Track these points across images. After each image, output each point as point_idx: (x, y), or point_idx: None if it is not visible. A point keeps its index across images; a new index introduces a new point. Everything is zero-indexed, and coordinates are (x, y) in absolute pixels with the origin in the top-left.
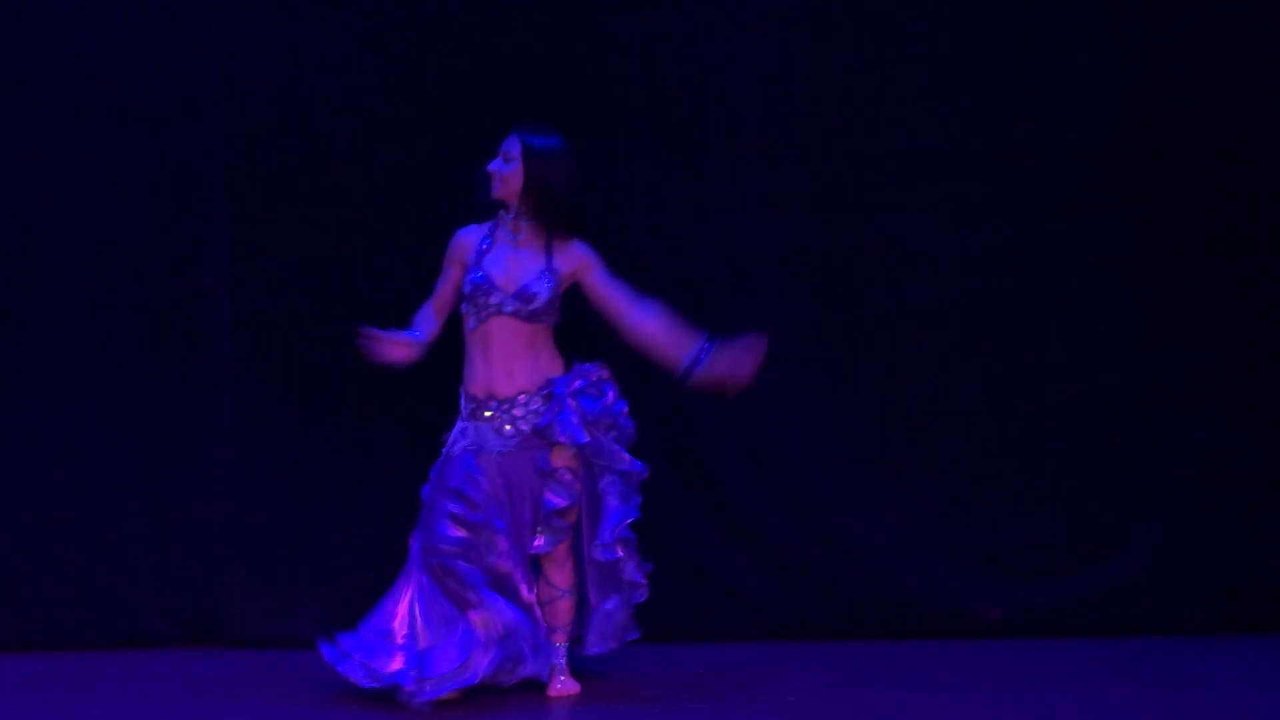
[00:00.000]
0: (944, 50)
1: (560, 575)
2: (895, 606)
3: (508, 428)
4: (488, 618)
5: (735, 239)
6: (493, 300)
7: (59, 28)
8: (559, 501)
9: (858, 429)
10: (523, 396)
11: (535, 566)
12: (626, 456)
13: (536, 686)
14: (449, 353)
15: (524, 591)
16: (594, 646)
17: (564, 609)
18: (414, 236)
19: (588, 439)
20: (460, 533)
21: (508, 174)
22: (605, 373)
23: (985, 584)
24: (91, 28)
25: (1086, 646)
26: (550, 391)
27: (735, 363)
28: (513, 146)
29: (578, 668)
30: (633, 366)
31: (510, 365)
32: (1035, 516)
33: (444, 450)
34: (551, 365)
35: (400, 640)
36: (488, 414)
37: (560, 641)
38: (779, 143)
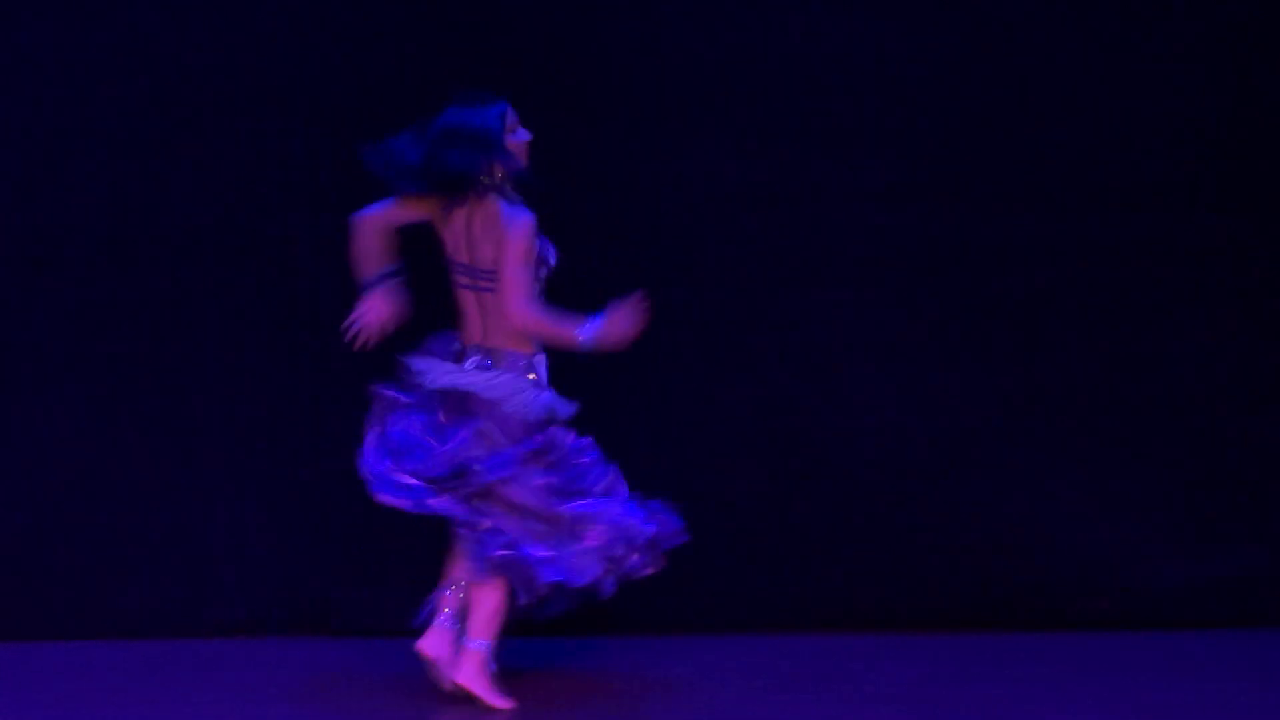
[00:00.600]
0: (1070, 40)
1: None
2: (1015, 597)
3: None
4: None
5: (857, 228)
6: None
7: (160, 25)
8: None
9: (977, 420)
10: None
11: None
12: None
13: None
14: None
15: None
16: None
17: None
18: None
19: None
20: None
21: (522, 144)
22: None
23: (1105, 574)
24: (187, 24)
25: (1208, 638)
26: None
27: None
28: (513, 116)
29: None
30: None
31: None
32: (1160, 507)
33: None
34: None
35: None
36: None
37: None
38: (901, 131)
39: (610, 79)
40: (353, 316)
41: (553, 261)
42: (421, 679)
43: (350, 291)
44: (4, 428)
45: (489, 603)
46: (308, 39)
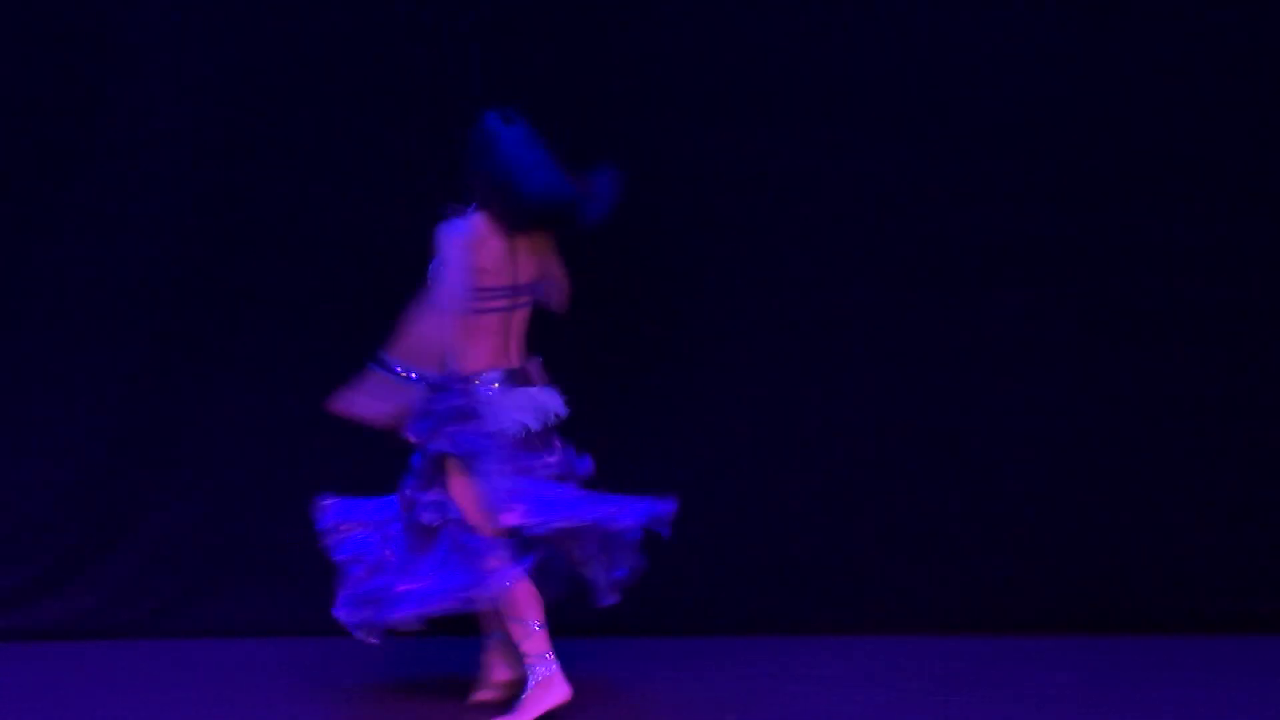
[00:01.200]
0: (1220, 40)
1: None
2: (1159, 599)
3: None
4: None
5: (987, 230)
6: None
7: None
8: None
9: (1131, 421)
10: None
11: None
12: None
13: None
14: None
15: None
16: None
17: None
18: (724, 225)
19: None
20: None
21: None
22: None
23: (1256, 579)
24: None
25: None
26: None
27: None
28: None
29: None
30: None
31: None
32: None
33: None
34: None
35: None
36: None
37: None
38: (1030, 132)
39: (751, 78)
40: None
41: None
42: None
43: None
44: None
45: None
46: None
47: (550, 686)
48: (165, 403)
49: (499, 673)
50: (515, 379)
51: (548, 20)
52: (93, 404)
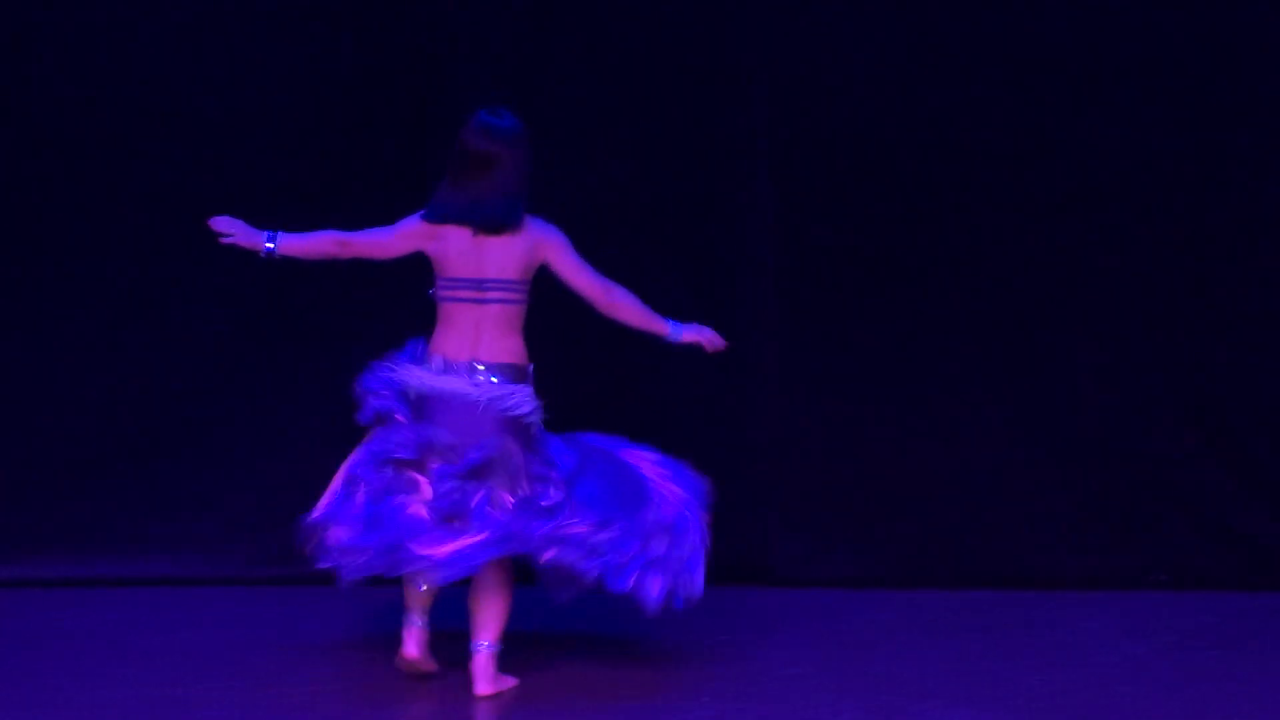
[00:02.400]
0: None
1: None
2: None
3: None
4: None
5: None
6: None
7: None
8: None
9: None
10: None
11: None
12: None
13: None
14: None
15: None
16: None
17: None
18: (956, 197)
19: None
20: None
21: None
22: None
23: None
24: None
25: None
26: None
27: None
28: None
29: None
30: None
31: None
32: None
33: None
34: None
35: None
36: None
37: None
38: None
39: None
40: None
41: None
42: (858, 627)
43: (789, 264)
44: None
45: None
46: (779, 17)
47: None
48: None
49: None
50: (453, 367)
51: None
52: None
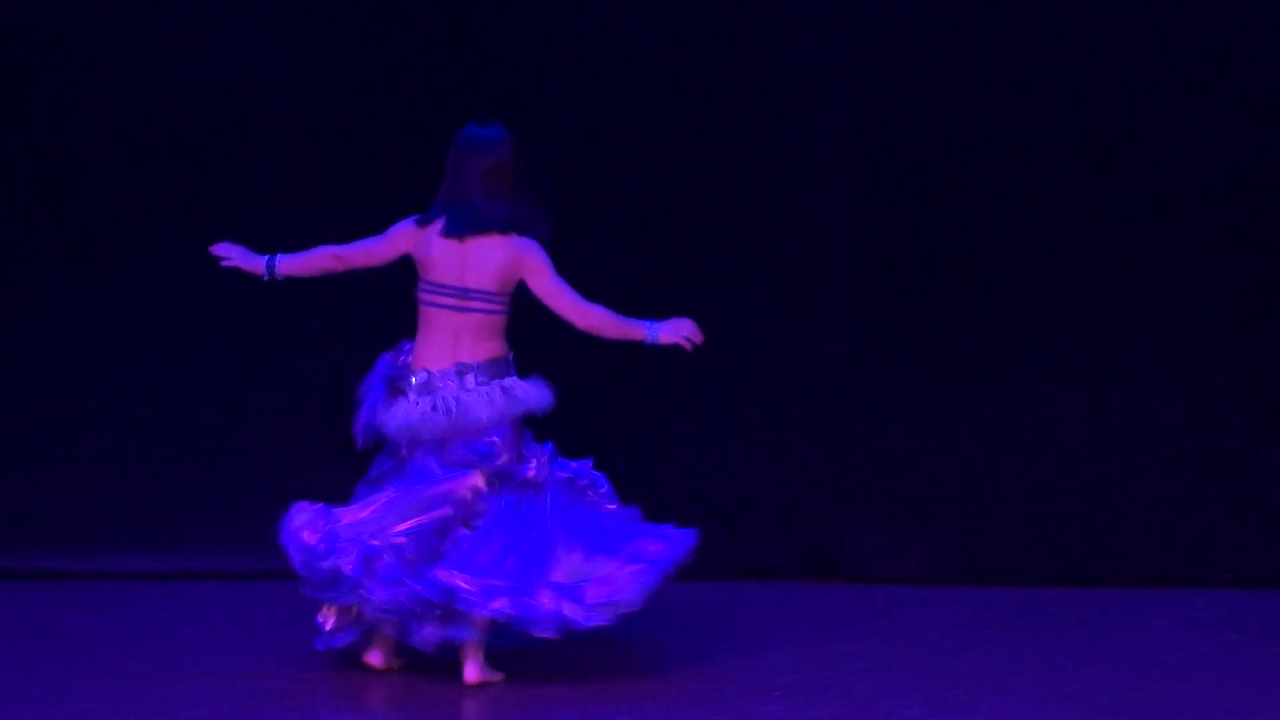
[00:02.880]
0: None
1: None
2: None
3: None
4: None
5: None
6: None
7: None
8: None
9: None
10: None
11: None
12: None
13: None
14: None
15: None
16: None
17: None
18: (1026, 201)
19: None
20: None
21: None
22: None
23: None
24: (718, 9)
25: None
26: None
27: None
28: None
29: None
30: None
31: None
32: None
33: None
34: None
35: None
36: None
37: None
38: None
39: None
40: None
41: None
42: (924, 625)
43: (861, 260)
44: None
45: None
46: (852, 20)
47: None
48: None
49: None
50: (435, 382)
51: None
52: None
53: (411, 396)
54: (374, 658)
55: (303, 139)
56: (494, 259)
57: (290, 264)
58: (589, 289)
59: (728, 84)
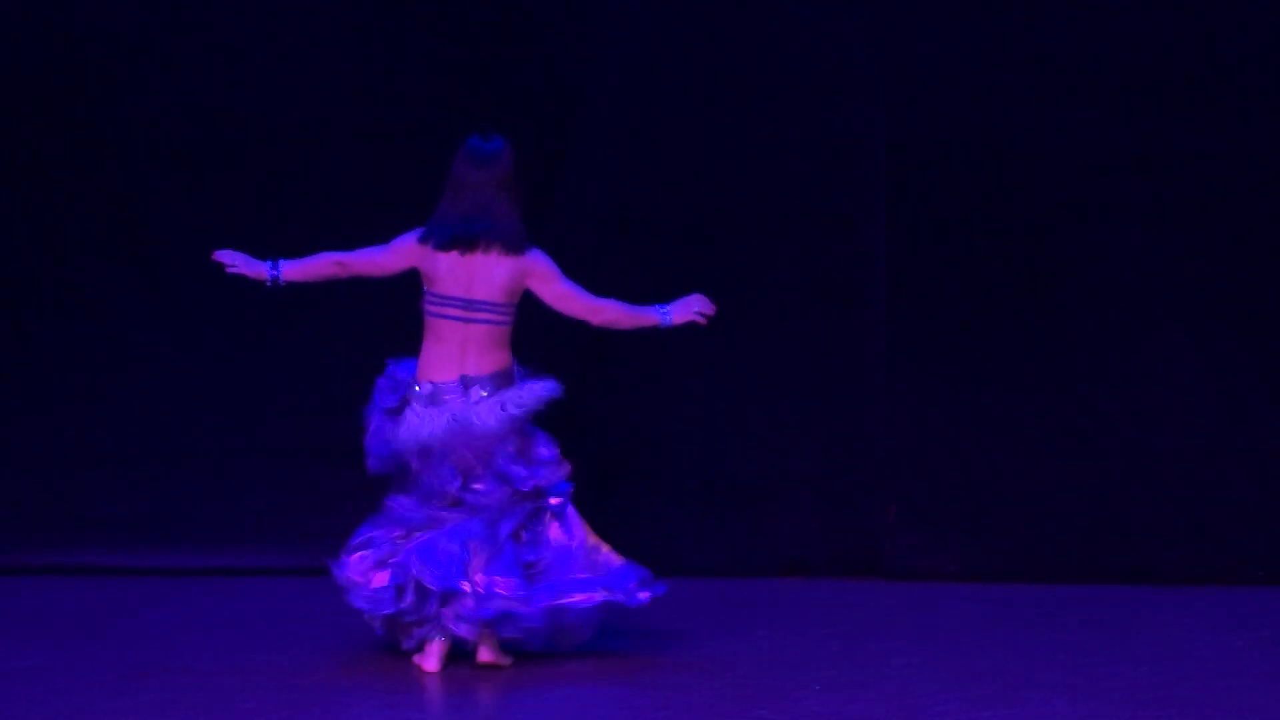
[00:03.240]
0: None
1: None
2: None
3: None
4: None
5: None
6: None
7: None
8: None
9: None
10: None
11: None
12: None
13: None
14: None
15: None
16: None
17: None
18: (1065, 205)
19: None
20: None
21: None
22: None
23: None
24: (764, 16)
25: None
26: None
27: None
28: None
29: None
30: None
31: None
32: None
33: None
34: None
35: None
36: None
37: None
38: None
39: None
40: None
41: None
42: (962, 620)
43: (899, 262)
44: None
45: None
46: (895, 26)
47: None
48: None
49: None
50: (441, 394)
51: None
52: None
53: (417, 408)
54: (429, 662)
55: (355, 144)
56: (501, 271)
57: (293, 270)
58: (631, 289)
59: (772, 90)
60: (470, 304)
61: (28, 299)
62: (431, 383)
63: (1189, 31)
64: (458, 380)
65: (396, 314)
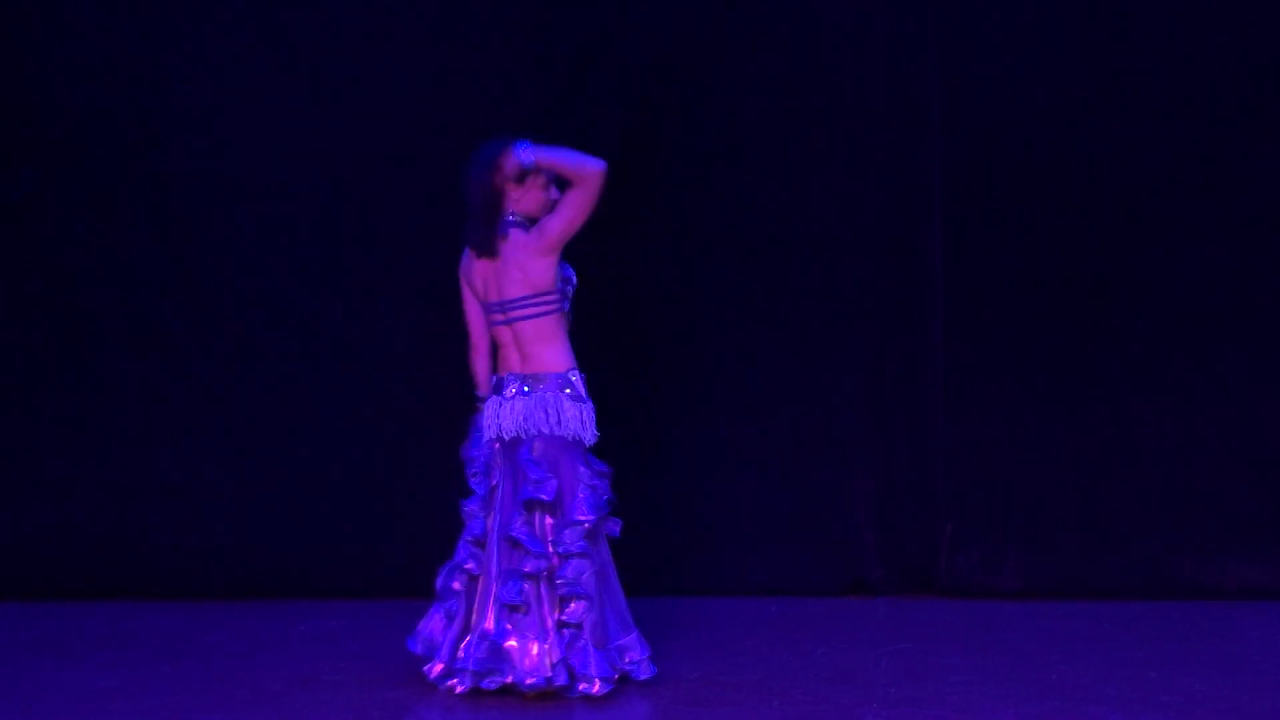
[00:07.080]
0: None
1: None
2: None
3: None
4: None
5: None
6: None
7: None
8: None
9: None
10: None
11: None
12: None
13: None
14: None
15: None
16: None
17: None
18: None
19: None
20: None
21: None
22: None
23: None
24: (821, 34)
25: None
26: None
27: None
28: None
29: None
30: None
31: None
32: None
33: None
34: None
35: None
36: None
37: None
38: None
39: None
40: None
41: (575, 281)
42: (1024, 638)
43: (957, 283)
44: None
45: None
46: (953, 48)
47: None
48: None
49: None
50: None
51: None
52: None
53: (492, 400)
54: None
55: (406, 174)
56: (513, 260)
57: (484, 385)
58: (691, 303)
59: (828, 106)
60: (503, 305)
61: (105, 335)
62: (498, 376)
63: (1248, 49)
64: (503, 377)
65: (448, 339)
